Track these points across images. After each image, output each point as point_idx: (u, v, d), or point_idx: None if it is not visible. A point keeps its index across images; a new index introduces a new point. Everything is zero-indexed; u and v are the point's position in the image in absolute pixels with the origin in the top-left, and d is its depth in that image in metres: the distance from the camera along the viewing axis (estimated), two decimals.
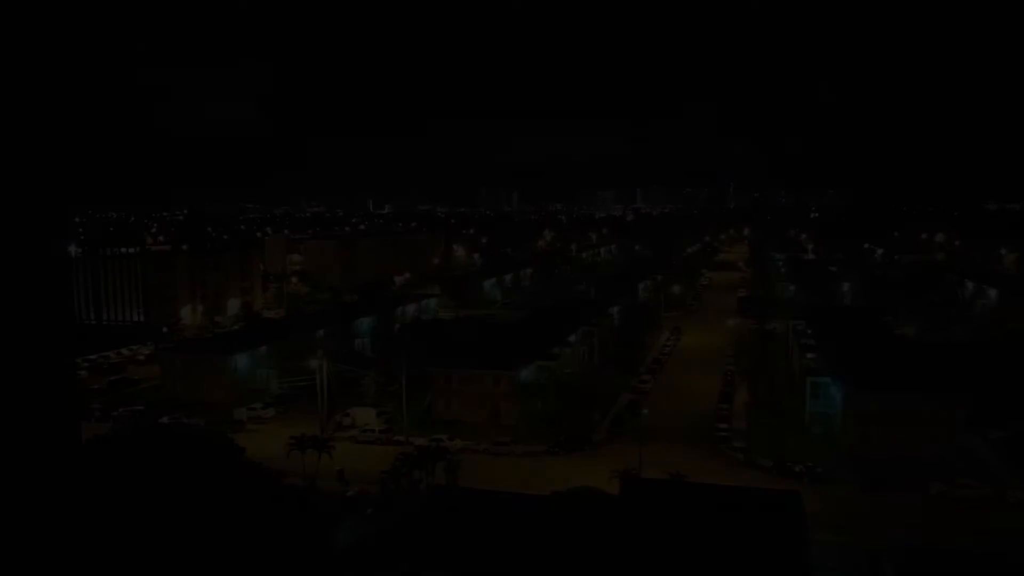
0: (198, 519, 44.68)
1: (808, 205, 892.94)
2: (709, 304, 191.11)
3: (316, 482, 69.77)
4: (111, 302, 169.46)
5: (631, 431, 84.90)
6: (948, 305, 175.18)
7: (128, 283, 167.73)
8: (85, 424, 69.43)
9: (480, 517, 47.59)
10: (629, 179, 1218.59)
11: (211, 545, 44.69)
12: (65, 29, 48.83)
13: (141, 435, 56.15)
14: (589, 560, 42.23)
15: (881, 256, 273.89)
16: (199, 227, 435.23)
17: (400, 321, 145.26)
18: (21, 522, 42.77)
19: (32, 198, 46.53)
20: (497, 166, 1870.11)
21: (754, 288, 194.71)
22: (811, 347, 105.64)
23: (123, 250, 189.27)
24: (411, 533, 47.10)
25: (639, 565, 41.64)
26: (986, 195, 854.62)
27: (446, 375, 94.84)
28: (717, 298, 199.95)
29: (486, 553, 44.15)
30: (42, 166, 47.49)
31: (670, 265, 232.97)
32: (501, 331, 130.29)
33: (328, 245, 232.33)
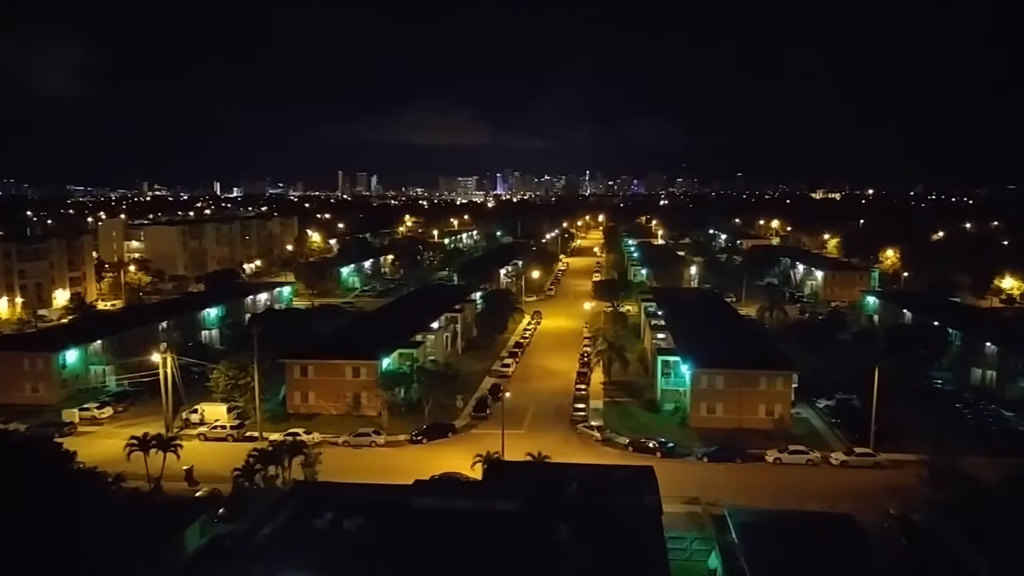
0: (14, 534, 40.53)
1: (657, 193, 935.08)
2: (567, 289, 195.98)
3: (161, 484, 65.76)
4: None
5: (494, 415, 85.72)
6: (783, 285, 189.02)
7: None
8: None
9: (340, 511, 46.28)
10: (488, 167, 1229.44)
11: (30, 562, 40.76)
12: None
13: None
14: (453, 545, 42.06)
15: (725, 241, 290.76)
16: (15, 211, 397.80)
17: (251, 311, 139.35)
18: None
19: None
20: (354, 148, 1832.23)
21: (609, 272, 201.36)
22: (661, 327, 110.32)
23: None
24: (267, 531, 45.10)
25: (503, 544, 41.93)
26: (814, 186, 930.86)
27: (302, 366, 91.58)
28: (575, 283, 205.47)
29: (347, 547, 43.02)
30: None
31: (530, 251, 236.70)
32: (361, 319, 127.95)
33: (171, 231, 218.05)
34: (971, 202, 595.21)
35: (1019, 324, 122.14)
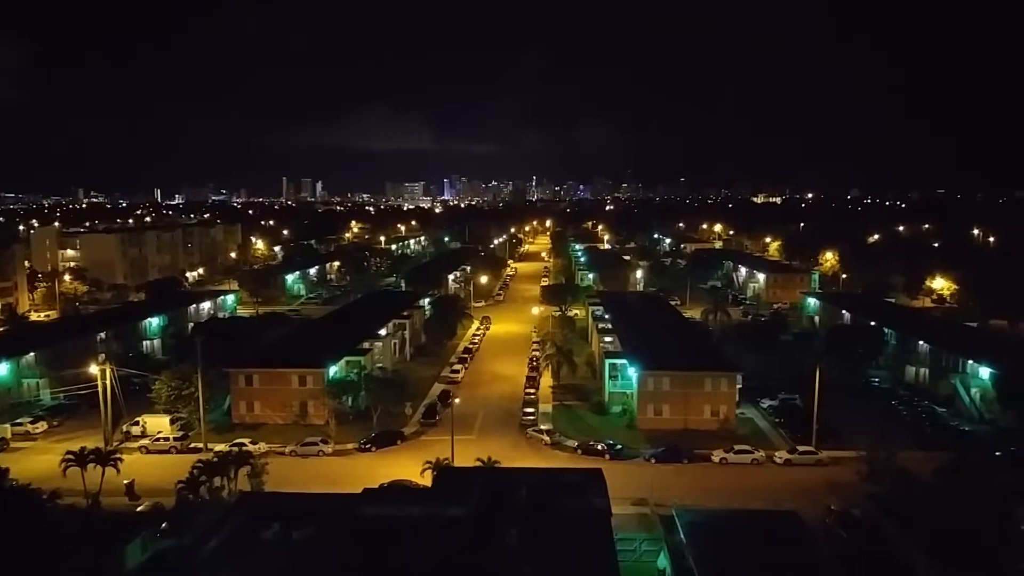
0: None
1: (603, 199, 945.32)
2: (516, 294, 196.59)
3: (100, 500, 63.78)
4: None
5: (443, 421, 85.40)
6: (726, 288, 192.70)
7: None
8: None
9: (288, 521, 45.55)
10: (436, 172, 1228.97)
11: None
12: None
13: None
14: (403, 553, 41.79)
15: (669, 245, 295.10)
16: None
17: (194, 320, 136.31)
18: None
19: None
20: (298, 154, 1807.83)
21: (556, 277, 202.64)
22: (608, 331, 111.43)
23: None
24: (212, 544, 44.12)
25: (454, 551, 41.82)
26: (756, 190, 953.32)
27: (247, 375, 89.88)
28: (523, 287, 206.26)
29: (296, 558, 42.36)
30: None
31: (478, 256, 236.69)
32: (307, 327, 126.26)
33: (109, 239, 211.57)
34: (903, 206, 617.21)
35: (949, 323, 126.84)
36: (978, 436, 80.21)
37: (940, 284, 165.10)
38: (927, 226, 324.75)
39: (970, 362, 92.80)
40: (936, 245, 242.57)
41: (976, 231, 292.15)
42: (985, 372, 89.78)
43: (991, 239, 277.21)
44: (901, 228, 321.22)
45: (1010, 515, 50.04)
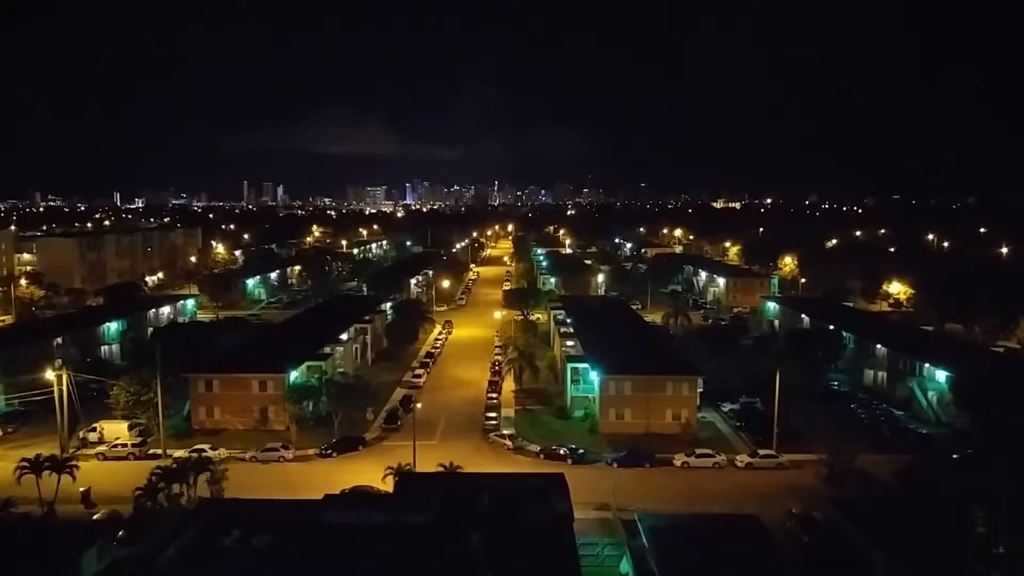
0: None
1: (564, 203, 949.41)
2: (478, 298, 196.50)
3: (55, 508, 62.35)
4: None
5: (405, 427, 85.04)
6: (687, 292, 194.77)
7: None
8: None
9: (249, 528, 45.02)
10: (398, 177, 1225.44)
11: None
12: None
13: None
14: (364, 560, 41.57)
15: (630, 249, 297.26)
16: None
17: (153, 324, 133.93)
18: None
19: None
20: (259, 158, 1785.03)
21: (518, 281, 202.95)
22: (570, 335, 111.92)
23: None
24: (171, 552, 43.40)
25: (415, 557, 41.71)
26: (716, 195, 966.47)
27: (207, 380, 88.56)
28: (485, 292, 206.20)
29: (256, 565, 41.87)
30: None
31: (440, 261, 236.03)
32: (267, 331, 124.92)
33: (67, 242, 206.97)
34: (860, 211, 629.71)
35: (906, 327, 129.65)
36: (935, 438, 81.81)
37: (897, 288, 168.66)
38: (883, 231, 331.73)
39: (927, 365, 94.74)
40: (892, 250, 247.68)
41: (931, 236, 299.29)
42: (941, 375, 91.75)
43: (945, 244, 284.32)
44: (858, 233, 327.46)
45: (967, 516, 51.07)
